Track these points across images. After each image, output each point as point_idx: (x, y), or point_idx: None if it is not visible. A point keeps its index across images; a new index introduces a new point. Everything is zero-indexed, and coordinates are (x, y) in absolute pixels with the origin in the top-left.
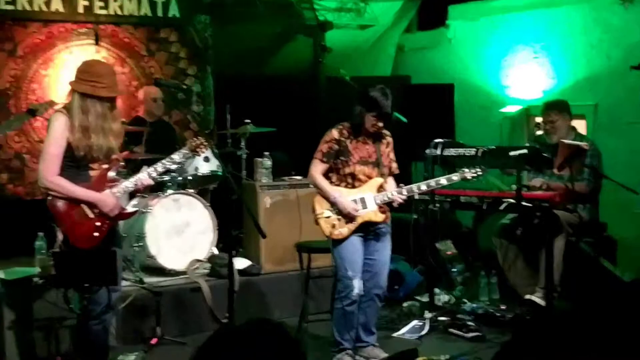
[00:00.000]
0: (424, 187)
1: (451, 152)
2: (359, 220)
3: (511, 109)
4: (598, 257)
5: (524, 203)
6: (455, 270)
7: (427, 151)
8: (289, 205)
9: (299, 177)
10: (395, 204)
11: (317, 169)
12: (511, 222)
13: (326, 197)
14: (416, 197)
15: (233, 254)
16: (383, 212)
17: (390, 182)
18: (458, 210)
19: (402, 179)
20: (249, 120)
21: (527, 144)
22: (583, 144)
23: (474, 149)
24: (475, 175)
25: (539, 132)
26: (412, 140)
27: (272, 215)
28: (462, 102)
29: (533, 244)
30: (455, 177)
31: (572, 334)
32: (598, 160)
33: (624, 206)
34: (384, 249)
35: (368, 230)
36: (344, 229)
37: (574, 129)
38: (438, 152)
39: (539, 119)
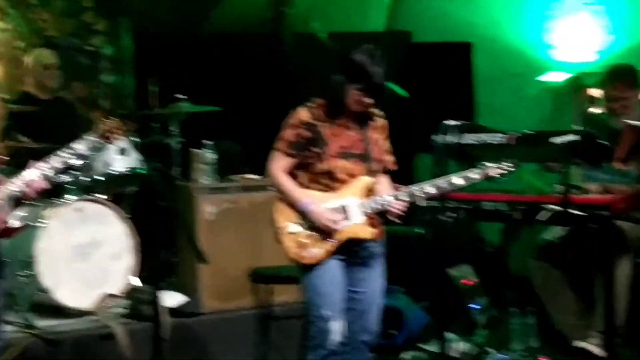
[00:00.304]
0: (431, 190)
1: (470, 139)
2: (340, 238)
3: (555, 77)
4: None
5: (573, 211)
6: (476, 306)
7: (436, 138)
8: (240, 217)
9: (254, 177)
10: (390, 214)
11: (280, 164)
12: (556, 238)
13: (293, 205)
14: (421, 203)
15: (161, 287)
16: (373, 226)
17: (384, 183)
18: (480, 222)
19: (400, 177)
20: (183, 96)
21: (578, 128)
22: None
23: (503, 135)
24: (504, 172)
25: (596, 111)
26: (414, 123)
27: (217, 231)
28: (485, 69)
29: (587, 269)
30: (475, 174)
31: None
32: None
33: None
34: (375, 277)
35: (352, 252)
36: (318, 250)
37: None
38: (451, 139)
39: (594, 92)
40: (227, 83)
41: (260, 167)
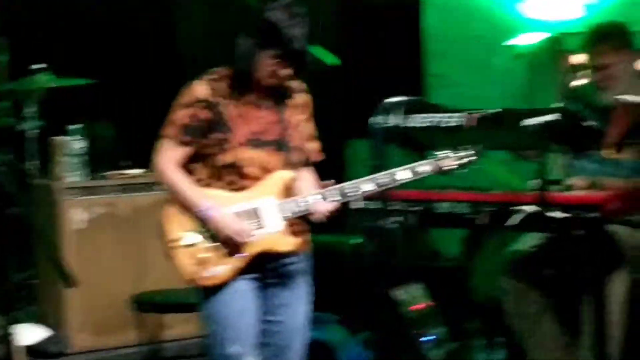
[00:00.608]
0: (370, 187)
1: (419, 121)
2: (251, 251)
3: (528, 39)
4: None
5: (553, 213)
6: (429, 339)
7: (375, 120)
8: (119, 225)
9: (137, 172)
10: (317, 219)
11: (171, 156)
12: (532, 249)
13: (189, 209)
14: (356, 205)
15: (14, 318)
16: (295, 235)
17: (307, 178)
18: (434, 230)
19: (329, 171)
20: (42, 66)
21: (559, 105)
22: None
23: (461, 116)
24: (463, 163)
25: (579, 82)
26: (347, 101)
27: (89, 244)
28: (440, 31)
29: (572, 288)
30: (426, 167)
31: None
32: None
33: None
34: (298, 302)
35: (268, 269)
36: (222, 268)
37: None
38: (395, 121)
39: (578, 58)
40: (101, 49)
41: (145, 159)
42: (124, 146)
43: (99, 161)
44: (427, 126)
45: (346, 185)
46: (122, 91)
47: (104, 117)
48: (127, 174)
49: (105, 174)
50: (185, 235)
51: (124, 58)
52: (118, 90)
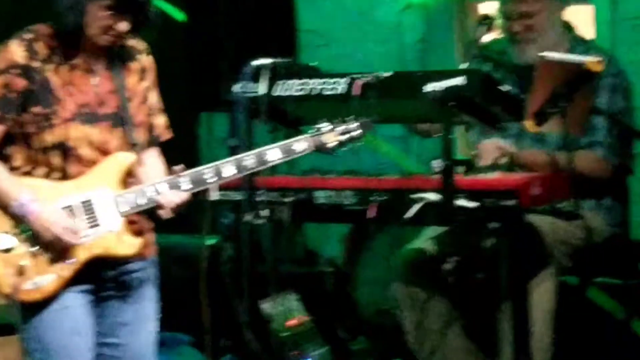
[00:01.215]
0: (230, 171)
1: (290, 88)
2: (83, 256)
3: None
4: (630, 319)
5: (460, 202)
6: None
7: (234, 88)
8: None
9: None
10: (164, 213)
11: None
12: (434, 248)
13: (2, 204)
14: (213, 195)
15: None
16: (137, 234)
17: (153, 162)
18: (309, 224)
19: (177, 153)
20: None
21: (464, 65)
22: (590, 60)
23: (344, 79)
24: (347, 138)
25: (489, 37)
26: (198, 66)
27: None
28: None
29: (485, 295)
30: (300, 144)
31: None
32: (625, 99)
33: None
34: (142, 320)
35: (104, 279)
36: (47, 278)
37: (569, 28)
38: (261, 89)
39: (486, 7)
40: None
41: None
42: None
43: None
44: (301, 95)
45: (201, 169)
46: None
47: None
48: None
49: None
50: (1, 236)
51: None
52: None
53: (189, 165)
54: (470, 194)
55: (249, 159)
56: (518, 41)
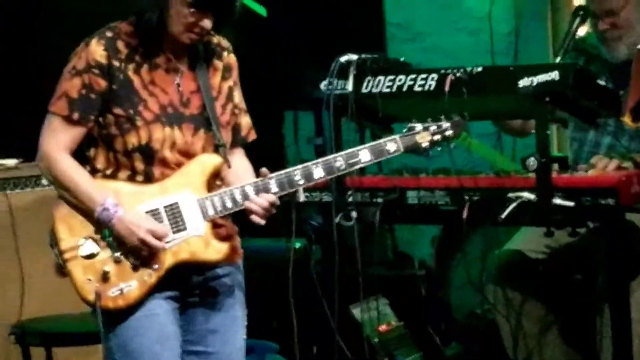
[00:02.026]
0: (319, 173)
1: (380, 83)
2: (168, 262)
3: None
4: None
5: (557, 201)
6: None
7: (322, 85)
8: None
9: (10, 162)
10: (254, 216)
11: (60, 139)
12: (530, 249)
13: (85, 210)
14: (301, 197)
15: None
16: (224, 239)
17: (239, 164)
18: (401, 226)
19: (265, 154)
20: None
21: (558, 58)
22: None
23: (434, 75)
24: (444, 137)
25: (583, 30)
26: (282, 63)
27: None
28: None
29: (583, 298)
30: (392, 144)
31: None
32: None
33: None
34: (231, 327)
35: (190, 284)
36: (131, 285)
37: None
38: (349, 86)
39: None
40: None
41: (21, 146)
42: None
43: None
44: (390, 92)
45: (291, 171)
46: None
47: None
48: None
49: None
50: (82, 243)
51: None
52: None
53: (275, 166)
54: (567, 193)
55: (339, 160)
56: (607, 39)
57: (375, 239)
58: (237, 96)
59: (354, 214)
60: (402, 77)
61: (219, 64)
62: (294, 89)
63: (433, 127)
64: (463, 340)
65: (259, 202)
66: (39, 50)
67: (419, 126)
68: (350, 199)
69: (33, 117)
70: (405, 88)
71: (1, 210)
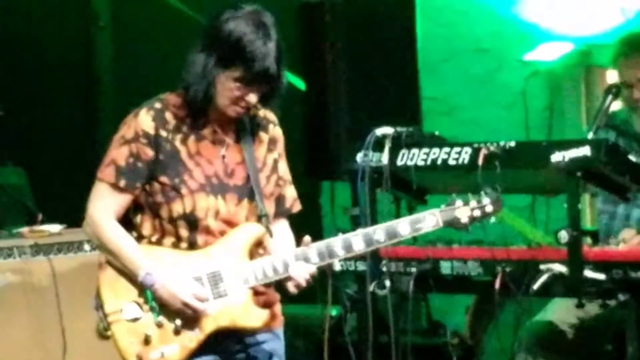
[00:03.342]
0: (358, 245)
1: (415, 156)
2: (208, 328)
3: (548, 52)
4: None
5: (589, 274)
6: None
7: (360, 158)
8: (34, 297)
9: (56, 228)
10: (293, 285)
11: (106, 205)
12: (562, 321)
13: (130, 274)
14: (336, 265)
15: None
16: (265, 306)
17: (281, 234)
18: (435, 295)
19: (302, 223)
20: None
21: (591, 135)
22: None
23: (468, 149)
24: (484, 213)
25: (616, 105)
26: (319, 134)
27: None
28: (436, 42)
29: None
30: (431, 219)
31: None
32: None
33: None
34: None
35: (228, 351)
36: (171, 348)
37: None
38: (384, 158)
39: (614, 74)
40: (7, 73)
41: (65, 213)
42: (36, 197)
43: (4, 216)
44: (425, 165)
45: (331, 242)
46: (34, 126)
47: (11, 158)
48: (43, 231)
49: (13, 232)
50: (125, 306)
51: (35, 84)
52: (29, 124)
53: (312, 234)
54: (599, 266)
55: (378, 233)
56: (635, 108)
57: (409, 307)
58: (282, 168)
59: (387, 283)
60: (437, 150)
61: (264, 136)
62: (330, 160)
63: (473, 203)
64: None
65: (298, 271)
66: (83, 124)
67: (459, 202)
68: (384, 269)
69: (78, 185)
70: (439, 161)
71: (45, 275)
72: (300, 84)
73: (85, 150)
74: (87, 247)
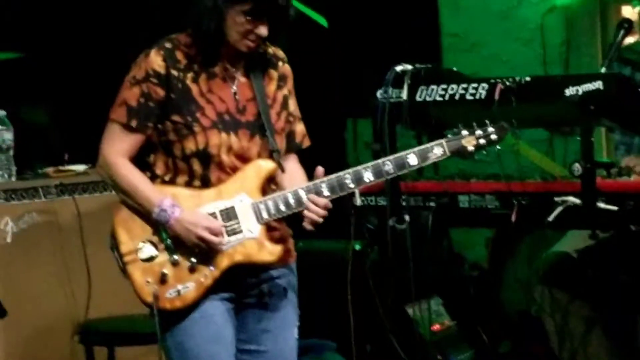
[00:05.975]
0: (368, 176)
1: (433, 92)
2: (223, 264)
3: None
4: None
5: (603, 206)
6: None
7: (380, 94)
8: (58, 236)
9: (80, 167)
10: (308, 220)
11: (120, 146)
12: (576, 251)
13: (145, 212)
14: (357, 200)
15: None
16: (278, 241)
17: (293, 169)
18: (455, 229)
19: (320, 159)
20: None
21: (604, 70)
22: None
23: (485, 84)
24: (485, 143)
25: (629, 40)
26: (342, 72)
27: (19, 261)
28: None
29: (626, 298)
30: (438, 149)
31: None
32: None
33: None
34: (284, 327)
35: (245, 286)
36: (188, 286)
37: None
38: (404, 94)
39: (629, 9)
40: (30, 15)
41: (90, 152)
42: (62, 136)
43: (30, 156)
44: (443, 100)
45: (341, 175)
46: (57, 66)
47: (36, 100)
48: (67, 170)
49: (39, 172)
50: (141, 245)
51: (57, 25)
52: (52, 65)
53: (338, 169)
54: (612, 197)
55: (387, 164)
56: None
57: (429, 241)
58: (292, 104)
59: (407, 218)
60: (454, 86)
61: (274, 73)
62: (354, 97)
63: (478, 132)
64: (513, 339)
65: (314, 206)
66: (107, 62)
67: (464, 131)
68: (404, 203)
69: (101, 124)
70: (457, 96)
71: (70, 214)
72: (323, 21)
73: (111, 91)
74: None
